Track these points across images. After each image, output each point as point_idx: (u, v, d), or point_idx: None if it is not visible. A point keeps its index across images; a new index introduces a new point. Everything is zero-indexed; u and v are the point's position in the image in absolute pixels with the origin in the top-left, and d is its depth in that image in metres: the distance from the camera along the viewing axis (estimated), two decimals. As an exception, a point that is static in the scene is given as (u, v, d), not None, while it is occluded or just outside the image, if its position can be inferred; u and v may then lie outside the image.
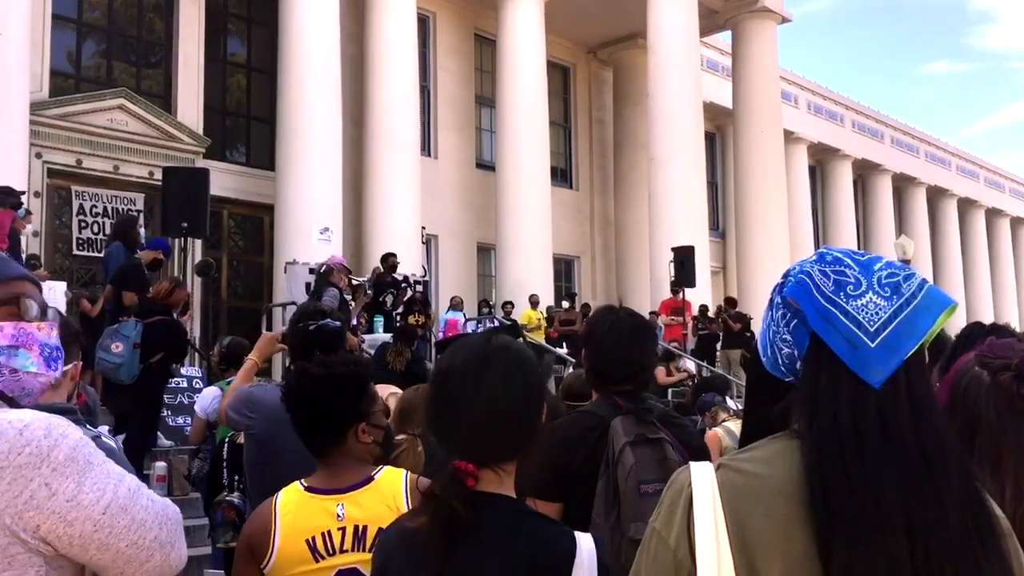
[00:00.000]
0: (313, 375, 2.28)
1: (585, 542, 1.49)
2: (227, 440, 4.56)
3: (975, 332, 2.72)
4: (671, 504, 1.16)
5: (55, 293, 8.45)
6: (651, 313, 16.27)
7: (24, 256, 9.02)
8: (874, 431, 1.09)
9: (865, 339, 1.12)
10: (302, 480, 2.25)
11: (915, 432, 1.10)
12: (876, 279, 1.15)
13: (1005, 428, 1.51)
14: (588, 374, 2.68)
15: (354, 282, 11.34)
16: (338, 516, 2.16)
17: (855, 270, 1.16)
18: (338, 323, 3.23)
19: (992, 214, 38.56)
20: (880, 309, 1.13)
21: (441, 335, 14.89)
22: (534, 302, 16.09)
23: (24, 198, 9.71)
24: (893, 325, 1.12)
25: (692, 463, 1.19)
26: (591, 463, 2.41)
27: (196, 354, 11.45)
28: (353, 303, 10.17)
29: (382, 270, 12.87)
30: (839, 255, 1.19)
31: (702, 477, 1.15)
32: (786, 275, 1.22)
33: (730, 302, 17.31)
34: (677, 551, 1.12)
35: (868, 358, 1.11)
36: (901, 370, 1.11)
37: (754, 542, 1.09)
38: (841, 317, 1.13)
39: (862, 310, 1.13)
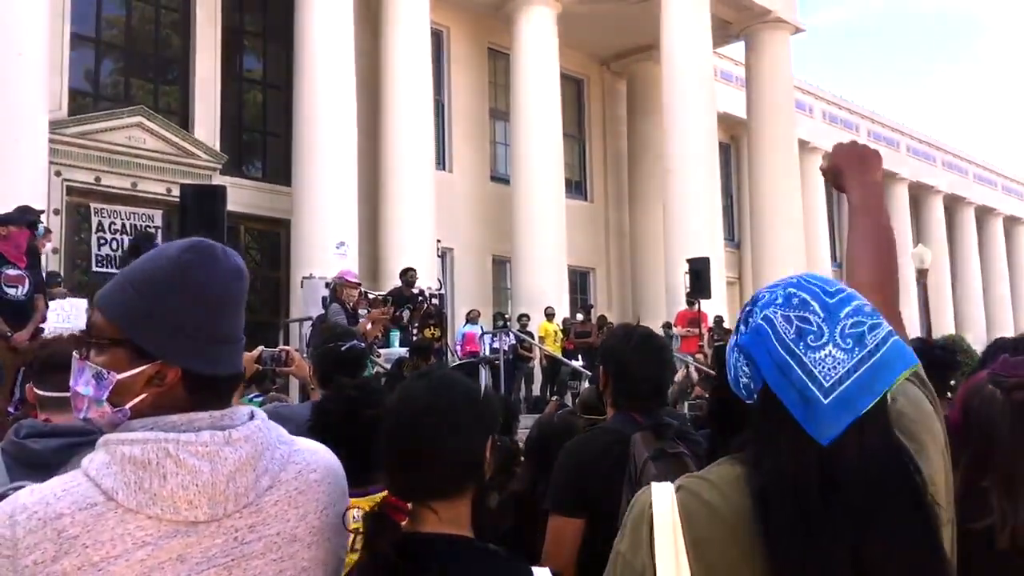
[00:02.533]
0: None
1: None
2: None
3: (1001, 350, 2.71)
4: (635, 527, 1.17)
5: (77, 310, 8.50)
6: (666, 324, 16.24)
7: (44, 274, 9.09)
8: (813, 488, 1.07)
9: (818, 394, 1.09)
10: None
11: (864, 489, 1.07)
12: (840, 329, 1.11)
13: (1019, 447, 1.51)
14: (608, 392, 2.70)
15: (370, 296, 11.36)
16: None
17: (820, 317, 1.12)
18: (363, 344, 3.31)
19: (1010, 222, 38.28)
20: (839, 363, 1.10)
21: (458, 348, 14.90)
22: (550, 314, 16.07)
23: (43, 216, 9.79)
24: (850, 381, 1.09)
25: (653, 484, 1.19)
26: (613, 478, 2.43)
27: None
28: (365, 318, 10.13)
29: (401, 285, 12.92)
30: (807, 297, 1.15)
31: (662, 500, 1.15)
32: (755, 299, 1.20)
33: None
34: (644, 574, 1.13)
35: (819, 414, 1.08)
36: (855, 425, 1.08)
37: (714, 565, 1.10)
38: (796, 369, 1.10)
39: (819, 363, 1.10)
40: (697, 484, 1.16)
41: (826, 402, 1.08)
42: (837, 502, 1.06)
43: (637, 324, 2.80)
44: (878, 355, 1.11)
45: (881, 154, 1.61)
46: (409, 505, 1.47)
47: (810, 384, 1.09)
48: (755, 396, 1.16)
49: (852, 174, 1.54)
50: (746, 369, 1.17)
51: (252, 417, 1.24)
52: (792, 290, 1.16)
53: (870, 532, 1.05)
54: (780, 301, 1.16)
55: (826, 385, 1.09)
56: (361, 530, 1.41)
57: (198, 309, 1.20)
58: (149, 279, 1.20)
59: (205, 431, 1.17)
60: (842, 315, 1.13)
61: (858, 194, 1.52)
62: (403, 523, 1.44)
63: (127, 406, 1.19)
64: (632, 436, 2.45)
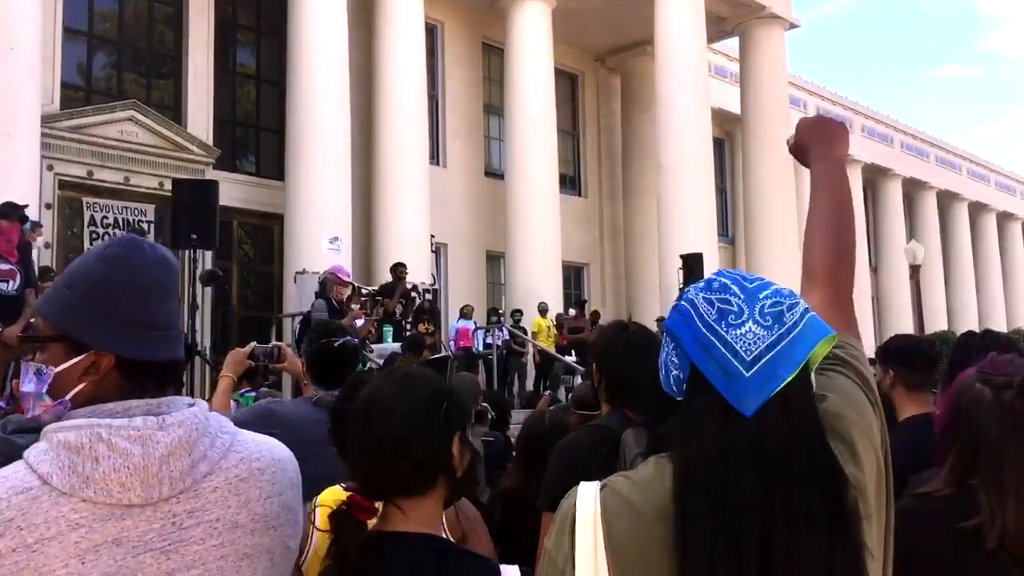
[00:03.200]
0: None
1: (511, 574, 1.46)
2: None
3: (970, 341, 2.74)
4: (560, 524, 1.18)
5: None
6: (660, 319, 16.25)
7: (36, 268, 9.07)
8: (739, 460, 1.08)
9: (740, 368, 1.11)
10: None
11: (789, 460, 1.08)
12: (759, 308, 1.14)
13: (1008, 446, 1.51)
14: (602, 389, 2.70)
15: (363, 292, 11.35)
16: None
17: (740, 298, 1.16)
18: (356, 340, 3.29)
19: (1003, 218, 38.39)
20: (759, 339, 1.12)
21: (452, 344, 14.91)
22: (543, 310, 16.09)
23: (35, 209, 9.77)
24: (771, 355, 1.11)
25: (582, 483, 1.20)
26: (605, 475, 2.42)
27: (207, 365, 11.49)
28: (355, 313, 10.11)
29: (392, 280, 12.92)
30: (727, 281, 1.18)
31: (586, 499, 1.17)
32: (680, 297, 1.23)
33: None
34: (564, 572, 1.14)
35: (742, 387, 1.10)
36: (778, 397, 1.10)
37: (630, 565, 1.11)
38: (719, 346, 1.13)
39: (740, 339, 1.13)
40: (621, 483, 1.18)
41: (748, 375, 1.11)
42: (758, 472, 1.07)
43: (629, 320, 2.78)
44: (796, 330, 1.13)
45: (847, 127, 1.60)
46: (378, 505, 1.46)
47: (732, 359, 1.12)
48: (684, 388, 1.18)
49: (817, 150, 1.53)
50: (675, 360, 1.20)
51: (192, 406, 1.28)
52: (711, 280, 1.20)
53: (792, 499, 1.06)
54: (702, 286, 1.20)
55: (747, 359, 1.12)
56: (327, 529, 1.41)
57: (125, 298, 1.24)
58: (78, 275, 1.26)
59: (139, 416, 1.21)
60: (761, 296, 1.16)
61: (821, 169, 1.51)
62: (372, 522, 1.43)
63: (67, 397, 1.24)
64: (623, 434, 2.45)
